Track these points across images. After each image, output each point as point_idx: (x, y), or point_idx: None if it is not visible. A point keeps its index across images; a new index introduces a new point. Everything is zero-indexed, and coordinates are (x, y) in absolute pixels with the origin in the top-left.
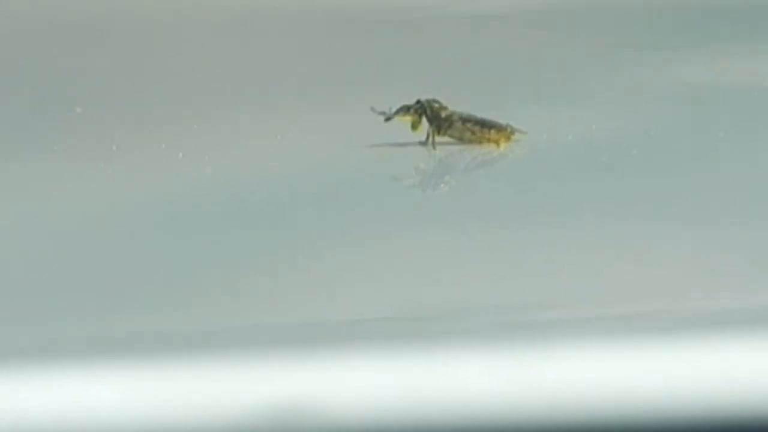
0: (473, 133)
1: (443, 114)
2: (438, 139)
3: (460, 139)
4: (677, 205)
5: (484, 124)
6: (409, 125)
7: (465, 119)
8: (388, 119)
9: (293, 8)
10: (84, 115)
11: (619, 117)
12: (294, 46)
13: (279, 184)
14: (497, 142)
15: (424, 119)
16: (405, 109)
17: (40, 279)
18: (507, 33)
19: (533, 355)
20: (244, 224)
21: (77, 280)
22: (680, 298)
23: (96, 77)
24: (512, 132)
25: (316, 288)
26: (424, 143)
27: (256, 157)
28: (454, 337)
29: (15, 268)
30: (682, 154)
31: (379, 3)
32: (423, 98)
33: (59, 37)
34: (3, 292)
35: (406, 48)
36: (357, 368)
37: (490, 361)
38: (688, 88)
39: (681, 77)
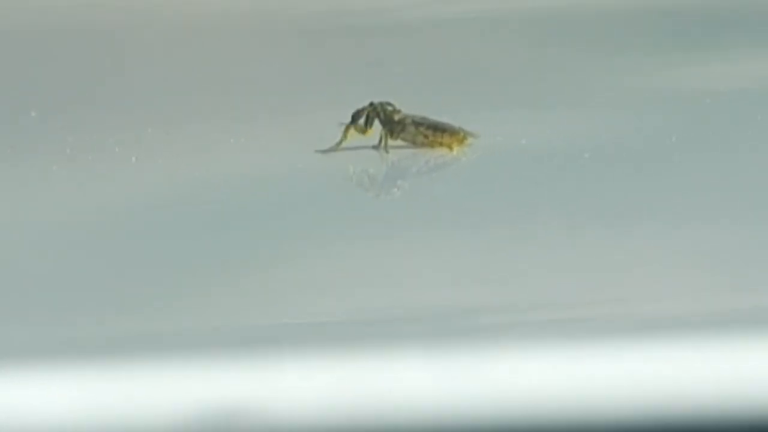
0: (426, 136)
1: (396, 117)
2: (391, 142)
3: (413, 143)
4: (627, 207)
5: (437, 128)
6: (355, 129)
7: (418, 123)
8: (346, 131)
9: (260, 12)
10: (38, 119)
11: (572, 121)
12: (256, 49)
13: (229, 188)
14: (450, 146)
15: (376, 122)
16: (359, 115)
17: None
18: (461, 38)
19: (485, 356)
20: (193, 228)
21: (26, 284)
22: (634, 299)
23: (51, 81)
24: (465, 136)
25: (269, 291)
26: (376, 147)
27: (208, 160)
28: (403, 339)
29: None
30: (634, 157)
31: (343, 7)
32: (376, 101)
33: (14, 42)
34: None
35: (366, 52)
36: (316, 369)
37: (438, 363)
38: (642, 93)
39: (635, 83)
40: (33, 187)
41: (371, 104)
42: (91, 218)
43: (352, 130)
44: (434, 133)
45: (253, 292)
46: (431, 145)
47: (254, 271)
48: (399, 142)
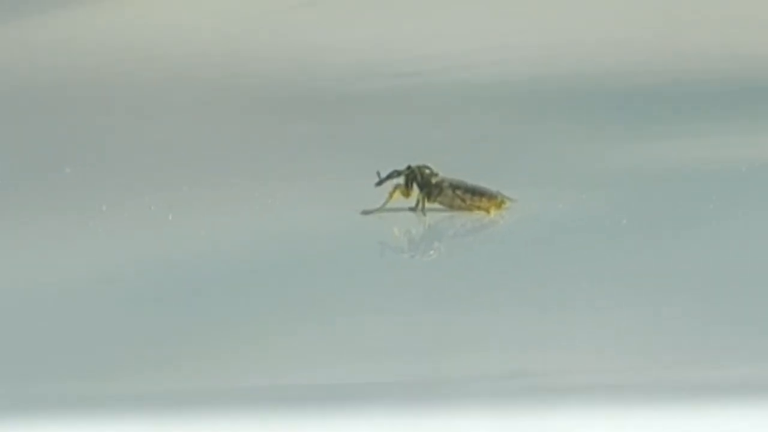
0: (463, 200)
1: (434, 180)
2: (428, 205)
3: (450, 206)
4: (669, 274)
5: (475, 192)
6: (399, 191)
7: (455, 186)
8: (378, 184)
9: (283, 78)
10: (73, 175)
11: (608, 187)
12: (286, 114)
13: (268, 248)
14: (488, 210)
15: (414, 185)
16: (395, 174)
17: (25, 338)
18: (496, 102)
19: (520, 421)
20: (231, 288)
21: (63, 339)
22: (669, 367)
23: (85, 138)
24: (503, 200)
25: (301, 353)
26: (413, 209)
27: (246, 220)
28: (433, 403)
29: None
30: (671, 224)
31: (371, 72)
32: (414, 164)
33: (49, 98)
34: None
35: (397, 117)
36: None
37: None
38: (677, 163)
39: (668, 153)
40: (69, 243)
41: (409, 167)
42: (128, 275)
43: (396, 192)
44: (472, 197)
45: (286, 353)
46: (469, 208)
47: (290, 332)
48: (436, 205)
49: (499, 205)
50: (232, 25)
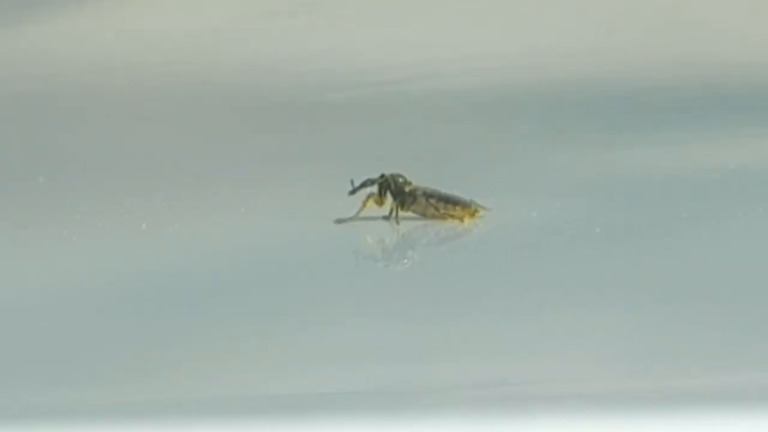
0: (437, 209)
1: (407, 189)
2: (401, 214)
3: (424, 215)
4: (644, 281)
5: (448, 201)
6: (372, 200)
7: (429, 195)
8: (352, 193)
9: (257, 87)
10: (47, 185)
11: (583, 195)
12: (260, 122)
13: (242, 257)
14: (461, 218)
15: (388, 193)
16: (369, 183)
17: (19, 341)
18: (470, 111)
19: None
20: (206, 296)
21: (38, 351)
22: (645, 376)
23: (59, 147)
24: (476, 209)
25: (271, 362)
26: (387, 218)
27: (220, 229)
28: (410, 412)
29: None
30: (645, 232)
31: (345, 81)
32: (387, 173)
33: (21, 107)
34: None
35: (371, 125)
36: None
37: None
38: (652, 171)
39: (643, 161)
40: (43, 253)
41: (382, 176)
42: (102, 284)
43: (370, 201)
44: (445, 205)
45: (261, 362)
46: (442, 217)
47: (264, 341)
48: (410, 214)
49: (472, 214)
50: (206, 34)
